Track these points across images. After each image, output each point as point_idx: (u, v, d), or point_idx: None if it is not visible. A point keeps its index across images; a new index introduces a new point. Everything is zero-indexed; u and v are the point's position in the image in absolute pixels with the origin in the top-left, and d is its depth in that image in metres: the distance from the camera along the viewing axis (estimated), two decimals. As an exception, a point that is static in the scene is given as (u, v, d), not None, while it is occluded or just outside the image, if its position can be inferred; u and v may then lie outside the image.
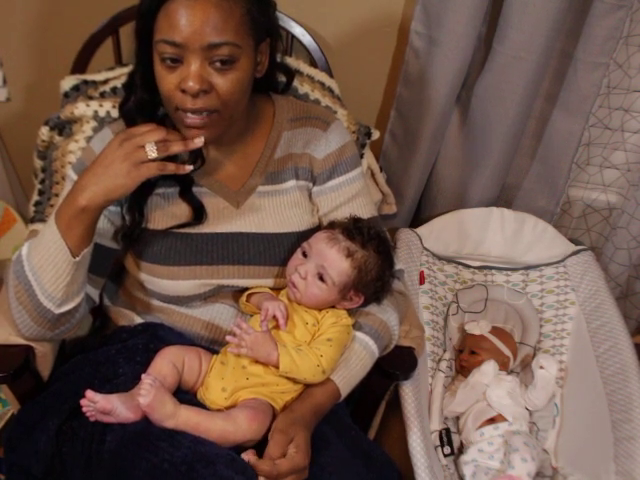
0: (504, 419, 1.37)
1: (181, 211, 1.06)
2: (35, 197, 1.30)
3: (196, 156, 1.07)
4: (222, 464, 0.82)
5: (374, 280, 1.04)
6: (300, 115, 1.15)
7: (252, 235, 1.08)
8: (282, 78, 1.20)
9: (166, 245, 1.05)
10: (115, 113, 1.28)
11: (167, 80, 0.94)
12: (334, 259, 1.01)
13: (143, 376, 0.90)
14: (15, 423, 0.99)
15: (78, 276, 0.96)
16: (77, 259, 0.94)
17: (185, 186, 1.06)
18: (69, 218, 0.93)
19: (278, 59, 1.12)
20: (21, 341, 1.01)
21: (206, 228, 1.07)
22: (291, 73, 1.21)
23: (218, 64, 0.92)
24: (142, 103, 1.02)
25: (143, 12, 0.94)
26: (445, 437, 1.37)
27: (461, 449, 1.40)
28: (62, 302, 0.96)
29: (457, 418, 1.45)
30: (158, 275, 1.05)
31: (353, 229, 1.04)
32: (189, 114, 0.95)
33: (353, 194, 1.15)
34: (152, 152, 0.92)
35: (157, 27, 0.93)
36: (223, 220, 1.08)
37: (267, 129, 1.12)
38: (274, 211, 1.10)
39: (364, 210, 1.16)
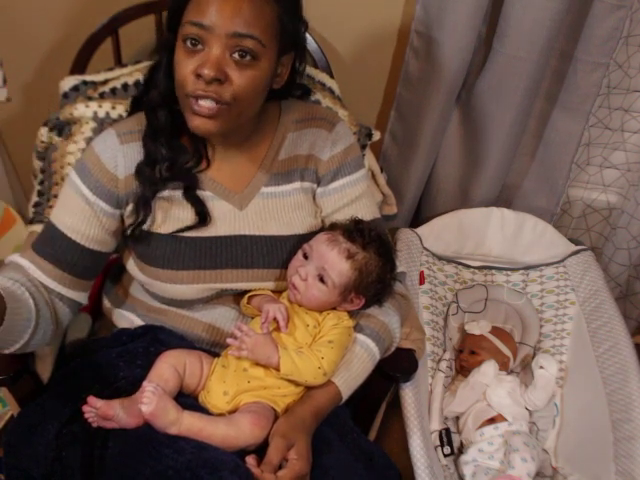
0: (504, 419, 1.37)
1: (185, 214, 1.05)
2: (34, 198, 1.30)
3: (200, 158, 1.06)
4: (226, 470, 0.81)
5: (375, 282, 1.04)
6: (305, 116, 1.14)
7: (255, 237, 1.07)
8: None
9: (170, 249, 1.04)
10: (114, 114, 1.28)
11: (184, 64, 0.93)
12: (335, 261, 1.01)
13: (144, 383, 0.89)
14: (15, 426, 0.98)
15: (4, 335, 0.89)
16: None
17: (189, 187, 1.05)
18: None
19: (299, 69, 1.11)
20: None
21: (210, 231, 1.06)
22: (307, 91, 1.21)
23: (238, 56, 0.92)
24: (166, 93, 1.01)
25: (175, 1, 0.95)
26: (445, 437, 1.37)
27: (461, 449, 1.40)
28: (1, 348, 0.93)
29: (457, 418, 1.45)
30: (161, 279, 1.04)
31: (354, 231, 1.03)
32: (199, 101, 0.93)
33: (356, 196, 1.15)
34: None
35: (186, 12, 0.93)
36: (227, 223, 1.07)
37: (272, 130, 1.12)
38: (277, 213, 1.10)
39: (367, 212, 1.15)
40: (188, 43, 0.92)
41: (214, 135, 1.01)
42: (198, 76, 0.91)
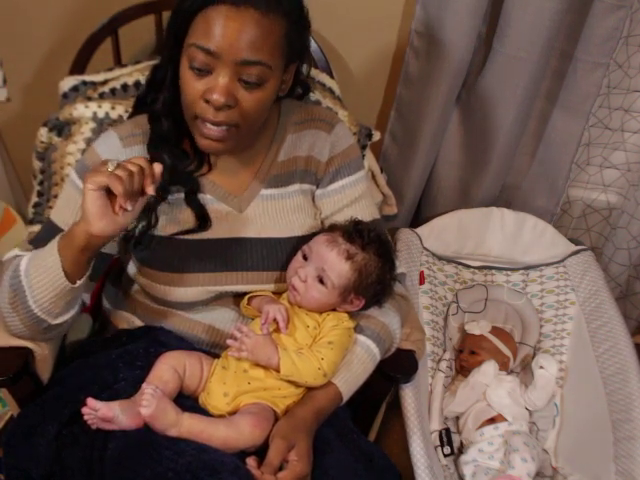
0: (504, 419, 1.37)
1: (186, 218, 1.05)
2: (34, 198, 1.30)
3: (202, 162, 1.06)
4: (227, 472, 0.81)
5: (374, 283, 1.04)
6: (304, 118, 1.14)
7: (255, 240, 1.07)
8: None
9: (170, 252, 1.04)
10: (114, 114, 1.28)
11: (192, 86, 0.92)
12: (334, 262, 1.01)
13: (144, 385, 0.89)
14: (14, 426, 0.98)
15: (77, 294, 0.96)
16: (76, 285, 0.93)
17: (191, 191, 1.05)
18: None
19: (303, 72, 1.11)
20: (21, 344, 1.01)
21: (210, 234, 1.06)
22: (308, 88, 1.21)
23: (245, 82, 0.92)
24: (170, 103, 1.01)
25: (181, 11, 0.92)
26: (445, 437, 1.37)
27: (461, 449, 1.40)
28: (58, 315, 0.96)
29: (457, 418, 1.45)
30: (161, 281, 1.04)
31: (353, 232, 1.03)
32: (208, 125, 0.94)
33: (356, 196, 1.15)
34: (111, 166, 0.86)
35: (193, 30, 0.91)
36: (227, 226, 1.07)
37: (272, 132, 1.12)
38: (277, 215, 1.10)
39: (367, 212, 1.15)
40: (195, 70, 0.91)
41: (223, 153, 1.02)
42: (207, 101, 0.91)
